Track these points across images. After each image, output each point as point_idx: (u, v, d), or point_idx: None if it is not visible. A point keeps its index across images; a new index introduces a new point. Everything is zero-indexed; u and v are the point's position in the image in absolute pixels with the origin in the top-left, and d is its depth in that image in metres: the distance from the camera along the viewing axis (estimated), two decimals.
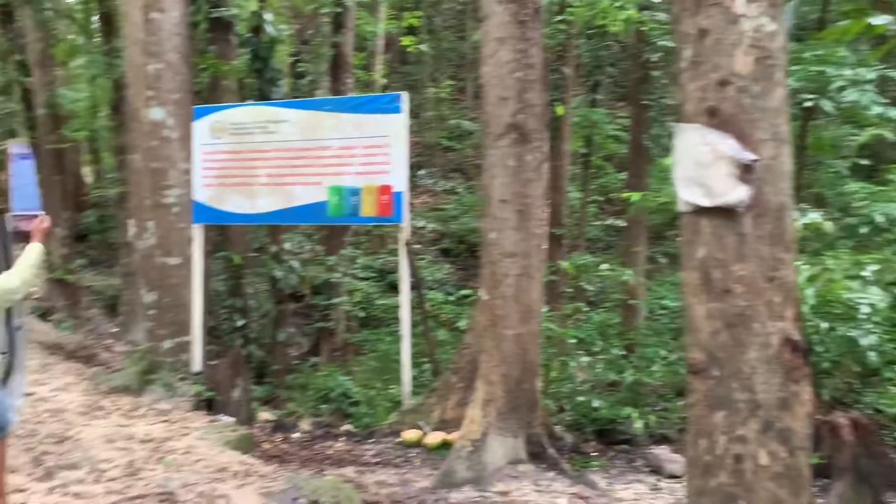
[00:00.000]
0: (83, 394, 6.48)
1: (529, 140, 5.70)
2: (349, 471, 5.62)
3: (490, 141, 5.89)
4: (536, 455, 5.68)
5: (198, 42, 9.89)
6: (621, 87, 16.27)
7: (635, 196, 8.87)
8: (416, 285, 7.71)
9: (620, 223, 14.43)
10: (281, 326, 10.40)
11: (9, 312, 4.19)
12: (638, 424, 6.32)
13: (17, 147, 19.69)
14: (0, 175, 25.55)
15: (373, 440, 6.81)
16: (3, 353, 4.17)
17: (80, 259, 16.37)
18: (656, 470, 5.83)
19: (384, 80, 17.59)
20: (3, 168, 22.65)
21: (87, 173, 26.98)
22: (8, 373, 4.19)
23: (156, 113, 7.70)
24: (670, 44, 9.63)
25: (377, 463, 5.99)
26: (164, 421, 5.91)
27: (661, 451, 6.01)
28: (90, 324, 13.17)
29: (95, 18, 15.39)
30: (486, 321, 5.85)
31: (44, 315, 11.44)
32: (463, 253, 15.95)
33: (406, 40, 16.95)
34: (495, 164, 5.81)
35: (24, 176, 19.42)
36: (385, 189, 6.82)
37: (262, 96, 9.46)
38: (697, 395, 2.74)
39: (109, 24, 12.71)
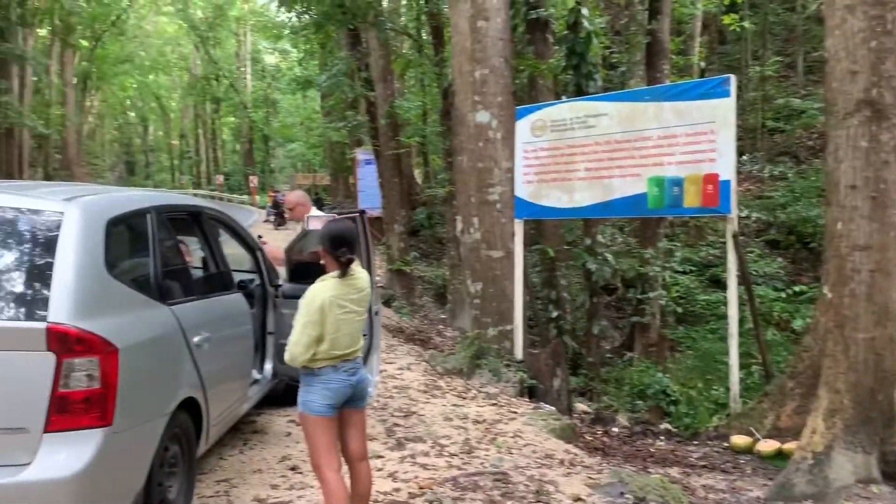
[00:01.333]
0: (422, 374, 7.17)
1: (886, 117, 4.99)
2: (674, 471, 5.45)
3: (836, 120, 5.27)
4: (893, 476, 4.97)
5: (516, 44, 10.35)
6: None
7: None
8: (745, 280, 7.21)
9: None
10: (594, 319, 10.44)
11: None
12: None
13: (362, 154, 22.45)
14: (350, 179, 29.43)
15: (697, 442, 6.54)
16: (365, 335, 4.78)
17: (413, 252, 18.12)
18: None
19: (702, 64, 16.71)
20: (352, 173, 26.08)
21: (418, 175, 29.86)
22: (368, 352, 4.80)
23: (481, 116, 8.21)
24: None
25: (703, 466, 5.73)
26: (493, 404, 6.29)
27: None
28: (423, 310, 14.54)
29: (427, 32, 16.81)
30: (831, 322, 5.25)
31: (387, 302, 12.87)
32: (793, 245, 14.52)
33: (727, 18, 15.90)
34: (842, 146, 5.18)
35: (368, 179, 22.08)
36: (710, 178, 6.48)
37: (579, 91, 9.57)
38: None
39: (439, 37, 13.83)
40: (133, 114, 72.62)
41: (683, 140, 6.67)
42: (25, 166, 33.05)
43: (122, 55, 48.31)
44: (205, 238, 4.44)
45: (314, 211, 5.84)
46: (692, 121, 6.60)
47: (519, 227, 7.99)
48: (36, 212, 2.95)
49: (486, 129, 8.22)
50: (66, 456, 2.67)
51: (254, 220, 34.15)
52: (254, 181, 49.04)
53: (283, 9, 14.11)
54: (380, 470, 4.48)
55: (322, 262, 3.38)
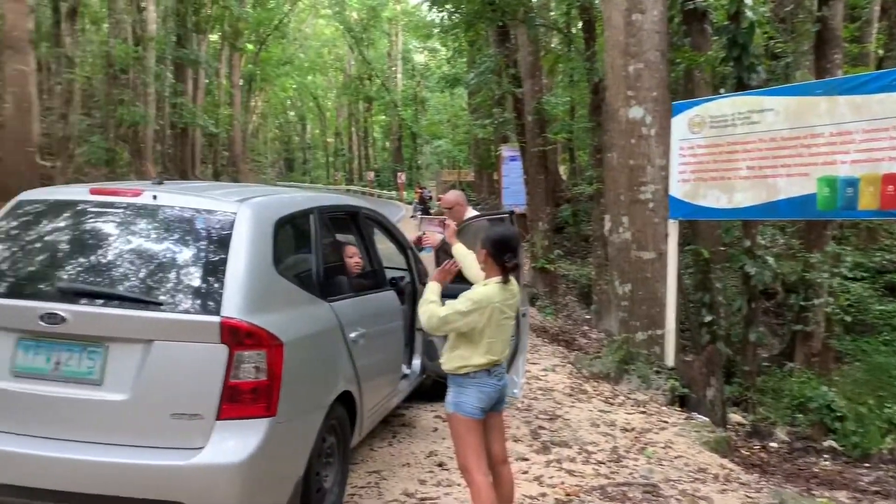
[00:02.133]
0: (568, 376, 7.07)
1: None
2: (842, 496, 5.04)
3: None
4: None
5: (671, 36, 9.93)
6: None
7: None
8: None
9: None
10: (752, 325, 9.84)
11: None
12: None
13: (508, 150, 22.45)
14: (494, 176, 29.57)
15: (868, 464, 6.02)
16: (512, 337, 4.76)
17: (557, 250, 17.92)
18: None
19: (880, 52, 15.31)
20: (496, 169, 26.17)
21: (563, 171, 29.49)
22: (514, 354, 4.78)
23: (634, 112, 7.95)
24: None
25: (876, 492, 5.26)
26: (642, 412, 6.09)
27: None
28: (566, 309, 14.35)
29: (578, 27, 16.54)
30: None
31: (531, 300, 12.81)
32: None
33: None
34: None
35: (513, 176, 22.06)
36: (891, 178, 5.90)
37: (740, 85, 9.04)
38: None
39: (590, 31, 13.55)
40: (292, 113, 76.87)
41: (860, 137, 6.11)
42: (197, 163, 35.85)
43: (284, 57, 51.15)
44: (361, 236, 4.60)
45: (471, 211, 5.84)
46: (871, 116, 6.03)
47: (673, 228, 7.66)
48: (211, 212, 3.15)
49: (640, 125, 7.95)
50: (235, 443, 2.84)
51: (401, 215, 35.15)
52: (401, 178, 50.45)
53: (433, 8, 14.32)
54: (525, 473, 4.45)
55: (482, 264, 3.36)
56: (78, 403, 2.86)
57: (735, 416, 7.86)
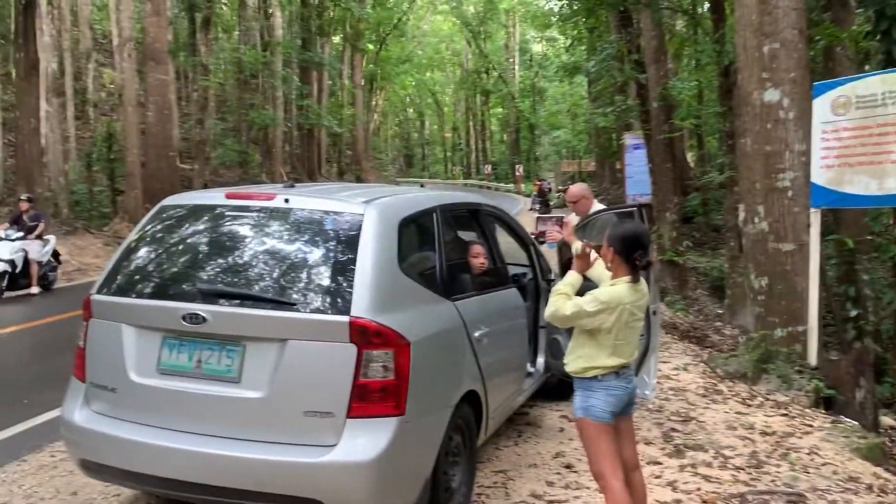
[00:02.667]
0: (700, 376, 6.74)
1: None
2: None
3: None
4: None
5: (810, 11, 9.26)
6: None
7: None
8: None
9: None
10: None
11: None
12: None
13: (631, 138, 21.81)
14: (616, 165, 28.84)
15: None
16: (642, 336, 4.58)
17: (686, 241, 17.21)
18: None
19: None
20: (619, 159, 25.52)
21: (691, 158, 28.34)
22: (645, 353, 4.59)
23: (770, 94, 7.46)
24: None
25: None
26: (783, 415, 5.71)
27: None
28: (697, 304, 13.75)
29: (705, 8, 15.82)
30: None
31: (658, 295, 12.35)
32: None
33: None
34: None
35: (637, 164, 21.42)
36: None
37: (889, 61, 8.31)
38: None
39: (719, 12, 12.90)
40: (411, 110, 78.32)
41: None
42: (323, 162, 37.16)
43: (403, 55, 52.14)
44: (483, 233, 4.56)
45: (596, 204, 5.68)
46: None
47: (815, 217, 7.14)
48: (339, 214, 3.21)
49: (776, 109, 7.45)
50: (366, 441, 2.87)
51: (519, 208, 34.97)
52: (519, 170, 50.20)
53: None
54: (658, 477, 4.27)
55: (609, 263, 3.20)
56: (218, 400, 2.99)
57: (888, 420, 7.25)
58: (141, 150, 19.28)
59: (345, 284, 3.00)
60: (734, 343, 8.88)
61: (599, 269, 3.38)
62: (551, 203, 31.88)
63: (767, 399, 6.15)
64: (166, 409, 3.07)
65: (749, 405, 5.92)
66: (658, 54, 14.10)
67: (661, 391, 6.03)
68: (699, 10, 16.74)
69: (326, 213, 3.22)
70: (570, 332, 4.90)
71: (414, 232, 3.58)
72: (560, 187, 40.65)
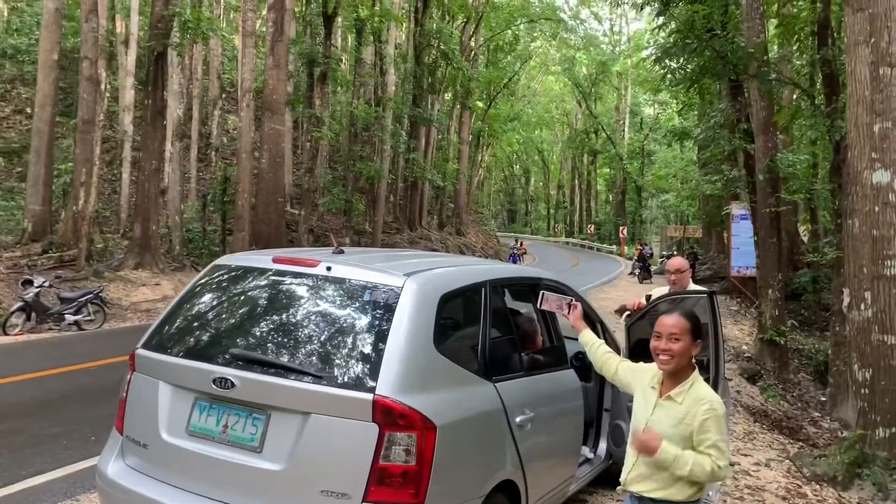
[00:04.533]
0: (784, 475, 6.21)
1: None
2: None
3: None
4: None
5: None
6: None
7: None
8: None
9: None
10: None
11: (715, 389, 4.27)
12: None
13: (738, 209, 21.03)
14: (724, 234, 27.80)
15: None
16: None
17: (792, 319, 16.23)
18: None
19: None
20: (726, 228, 24.59)
21: (804, 232, 26.94)
22: None
23: (880, 175, 6.99)
24: None
25: None
26: None
27: None
28: (797, 388, 12.85)
29: (819, 81, 15.20)
30: None
31: (752, 378, 11.63)
32: None
33: None
34: None
35: (743, 236, 20.58)
36: None
37: None
38: None
39: (832, 86, 12.32)
40: (517, 166, 78.81)
41: None
42: (424, 213, 37.77)
43: (512, 113, 52.77)
44: (542, 311, 4.39)
45: (692, 284, 5.42)
46: None
47: None
48: (378, 286, 3.15)
49: (886, 191, 6.97)
50: None
51: (619, 271, 34.19)
52: (623, 231, 49.32)
53: (658, 65, 13.87)
54: None
55: (692, 354, 2.86)
56: (239, 469, 2.95)
57: None
58: (252, 194, 20.20)
59: (373, 360, 2.93)
60: (831, 439, 8.19)
61: (600, 362, 3.30)
62: (652, 269, 31.01)
63: None
64: (191, 471, 3.07)
65: None
66: (767, 125, 13.54)
67: (735, 489, 5.58)
68: (815, 81, 16.05)
69: (366, 283, 3.18)
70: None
71: (457, 307, 3.48)
72: (664, 252, 39.55)
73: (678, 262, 5.65)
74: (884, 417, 6.69)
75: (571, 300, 3.55)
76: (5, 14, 31.84)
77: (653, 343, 2.87)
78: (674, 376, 2.84)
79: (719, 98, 20.25)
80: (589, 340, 3.39)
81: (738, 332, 16.92)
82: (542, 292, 3.56)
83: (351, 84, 31.29)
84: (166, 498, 3.03)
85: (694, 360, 2.91)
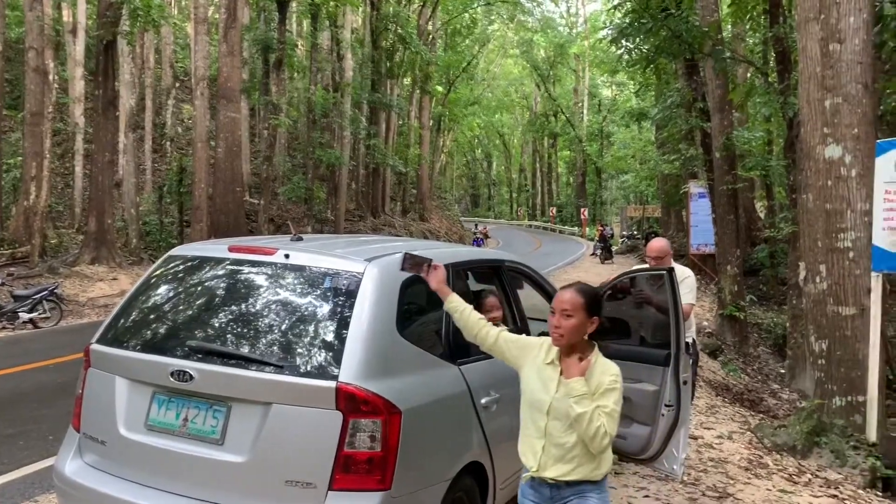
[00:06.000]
0: (746, 446, 6.33)
1: None
2: None
3: None
4: None
5: (884, 63, 8.87)
6: None
7: None
8: None
9: None
10: None
11: (676, 365, 4.32)
12: None
13: (696, 187, 21.33)
14: (682, 213, 28.19)
15: None
16: (671, 406, 4.30)
17: (750, 294, 16.56)
18: None
19: None
20: (685, 206, 24.93)
21: (760, 209, 27.45)
22: (674, 425, 4.31)
23: (832, 150, 7.12)
24: None
25: None
26: (833, 496, 5.28)
27: None
28: (757, 362, 13.13)
29: (772, 59, 15.43)
30: None
31: (714, 353, 11.84)
32: None
33: None
34: None
35: (701, 214, 20.89)
36: None
37: None
38: None
39: (785, 63, 12.52)
40: (479, 150, 78.90)
41: None
42: (387, 200, 37.58)
43: (471, 97, 52.68)
44: (504, 292, 4.38)
45: (682, 271, 5.34)
46: None
47: (877, 281, 6.72)
48: (338, 272, 3.10)
49: (838, 166, 7.10)
50: None
51: (581, 252, 34.52)
52: (584, 213, 49.76)
53: (613, 45, 13.95)
54: None
55: (587, 330, 2.72)
56: (201, 462, 2.89)
57: None
58: (210, 184, 19.87)
59: (336, 347, 2.88)
60: (790, 409, 8.39)
61: (473, 329, 3.04)
62: (613, 248, 31.34)
63: (817, 476, 5.73)
64: (151, 466, 3.00)
65: (795, 482, 5.51)
66: (722, 103, 13.73)
67: (699, 461, 5.68)
68: (769, 59, 16.30)
69: (326, 270, 3.13)
70: None
71: (420, 292, 3.44)
72: (624, 232, 40.02)
73: (661, 245, 5.34)
74: (840, 387, 6.86)
75: (431, 261, 3.14)
76: None
77: (549, 319, 2.78)
78: (570, 352, 2.73)
79: (676, 78, 20.45)
80: (457, 306, 3.06)
81: (698, 308, 17.20)
82: (403, 253, 3.20)
83: (307, 70, 30.89)
84: (127, 494, 2.96)
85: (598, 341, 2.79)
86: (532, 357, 2.86)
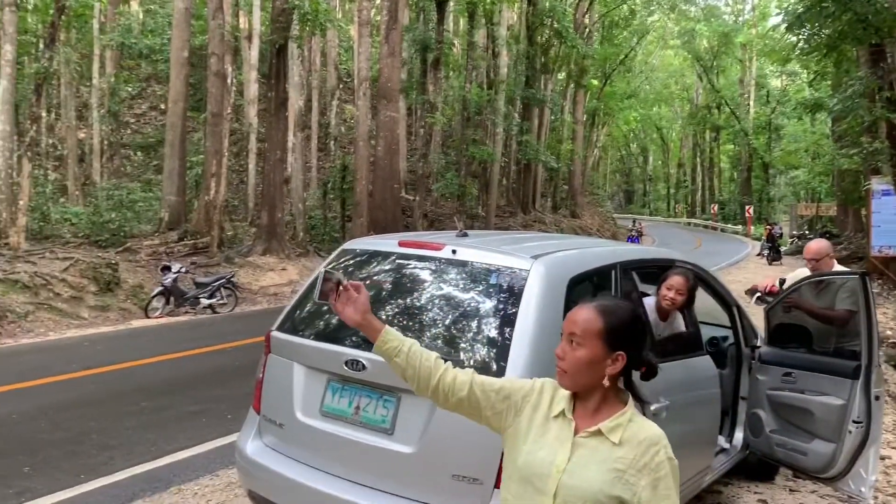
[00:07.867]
0: None
1: None
2: None
3: None
4: None
5: None
6: None
7: None
8: None
9: None
10: None
11: (867, 379, 3.95)
12: None
13: (879, 184, 19.50)
14: (861, 211, 25.90)
15: None
16: (858, 423, 3.95)
17: None
18: None
19: None
20: (865, 205, 22.89)
21: None
22: (863, 443, 3.95)
23: None
24: None
25: None
26: None
27: None
28: None
29: None
30: None
31: None
32: None
33: None
34: None
35: (885, 213, 19.08)
36: None
37: None
38: None
39: None
40: (634, 145, 76.61)
41: None
42: (538, 196, 37.40)
43: (628, 91, 51.22)
44: None
45: (837, 265, 5.03)
46: None
47: None
48: (505, 269, 3.08)
49: None
50: None
51: (745, 253, 32.60)
52: (749, 211, 47.01)
53: (790, 32, 13.02)
54: None
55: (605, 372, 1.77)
56: (370, 450, 2.98)
57: None
58: (369, 181, 20.66)
59: (500, 344, 2.87)
60: None
61: None
62: (782, 249, 29.37)
63: None
64: (325, 451, 3.12)
65: None
66: None
67: (888, 485, 5.17)
68: None
69: (492, 266, 3.12)
70: (773, 405, 4.38)
71: (586, 291, 3.35)
72: (794, 232, 37.38)
73: (820, 246, 5.13)
74: None
75: (342, 280, 2.15)
76: (140, 16, 33.95)
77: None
78: (586, 400, 1.81)
79: (857, 65, 18.81)
80: (394, 347, 2.03)
81: (880, 316, 15.72)
82: (321, 272, 2.23)
83: (463, 68, 31.31)
84: (301, 477, 3.11)
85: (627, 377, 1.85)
86: (528, 406, 1.90)
